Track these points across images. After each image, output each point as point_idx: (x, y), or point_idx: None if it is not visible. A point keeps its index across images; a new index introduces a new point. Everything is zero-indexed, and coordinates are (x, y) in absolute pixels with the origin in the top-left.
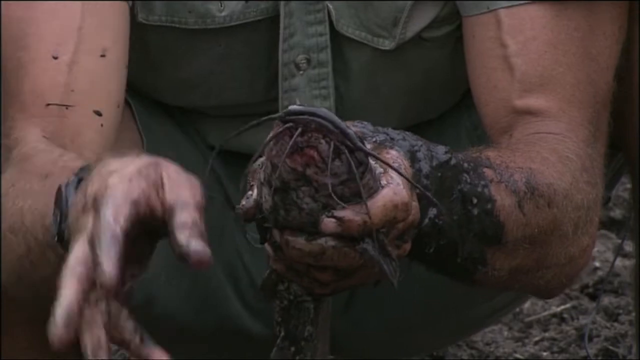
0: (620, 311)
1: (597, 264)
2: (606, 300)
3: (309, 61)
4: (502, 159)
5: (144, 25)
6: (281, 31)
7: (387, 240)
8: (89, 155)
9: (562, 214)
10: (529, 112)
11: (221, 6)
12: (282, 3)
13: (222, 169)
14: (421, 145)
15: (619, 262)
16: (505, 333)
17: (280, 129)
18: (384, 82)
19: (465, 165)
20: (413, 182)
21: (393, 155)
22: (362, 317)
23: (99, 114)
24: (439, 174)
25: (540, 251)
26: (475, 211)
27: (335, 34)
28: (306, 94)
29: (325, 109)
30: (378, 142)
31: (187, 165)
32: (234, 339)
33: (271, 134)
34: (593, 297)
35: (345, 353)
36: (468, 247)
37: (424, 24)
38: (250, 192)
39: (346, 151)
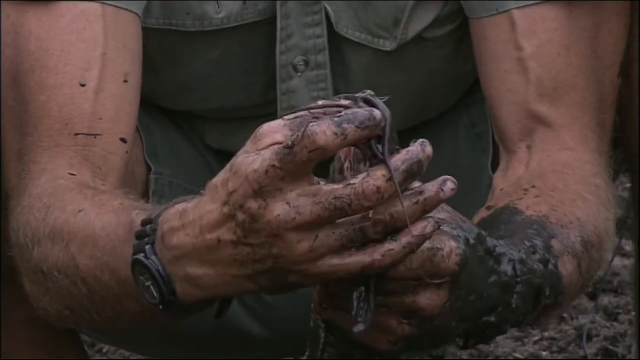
0: (620, 311)
1: None
2: (606, 300)
3: (307, 63)
4: (557, 216)
5: (143, 29)
6: (278, 33)
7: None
8: (114, 182)
9: (605, 250)
10: (543, 120)
11: (219, 7)
12: (278, 4)
13: (220, 169)
14: (525, 274)
15: (619, 262)
16: None
17: (337, 103)
18: (385, 83)
19: (543, 253)
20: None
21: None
22: None
23: (124, 141)
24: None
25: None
26: (547, 301)
27: (334, 35)
28: (305, 95)
29: (391, 121)
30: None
31: (186, 165)
32: (232, 340)
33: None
34: (592, 297)
35: None
36: (527, 320)
37: (425, 23)
38: None
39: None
